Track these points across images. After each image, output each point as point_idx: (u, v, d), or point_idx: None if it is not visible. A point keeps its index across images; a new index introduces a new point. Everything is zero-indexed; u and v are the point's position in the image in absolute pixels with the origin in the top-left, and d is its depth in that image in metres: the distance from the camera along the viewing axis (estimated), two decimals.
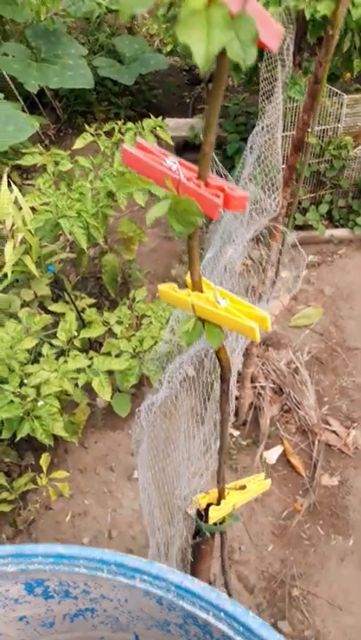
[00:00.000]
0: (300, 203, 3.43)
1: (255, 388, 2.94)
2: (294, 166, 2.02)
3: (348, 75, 3.81)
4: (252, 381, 2.93)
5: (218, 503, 1.06)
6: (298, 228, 3.52)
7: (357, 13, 2.59)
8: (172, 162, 0.62)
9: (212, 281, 0.74)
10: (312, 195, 3.51)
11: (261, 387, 2.95)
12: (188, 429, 1.96)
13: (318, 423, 2.82)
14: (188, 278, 0.71)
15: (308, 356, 3.08)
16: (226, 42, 0.42)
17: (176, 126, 4.14)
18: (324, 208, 3.48)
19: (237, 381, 2.96)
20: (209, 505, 1.08)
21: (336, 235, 3.55)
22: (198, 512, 1.09)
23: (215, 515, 1.05)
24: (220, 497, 1.05)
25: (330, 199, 3.51)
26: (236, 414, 2.94)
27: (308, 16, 2.67)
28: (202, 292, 0.67)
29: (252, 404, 2.91)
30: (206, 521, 1.07)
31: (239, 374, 2.97)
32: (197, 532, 1.12)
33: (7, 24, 4.27)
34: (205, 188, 0.59)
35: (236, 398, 2.93)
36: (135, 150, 0.63)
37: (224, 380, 0.77)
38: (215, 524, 1.07)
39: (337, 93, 3.09)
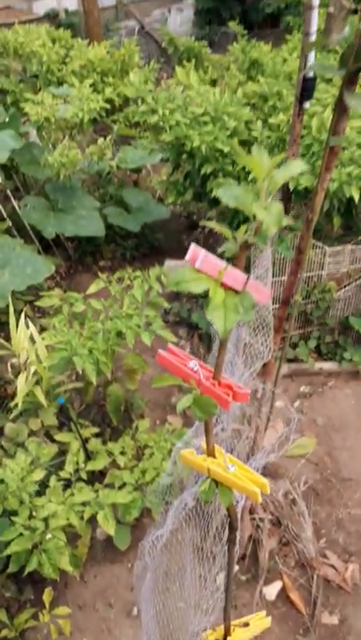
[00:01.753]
0: (290, 338, 3.73)
1: (254, 519, 3.00)
2: (283, 317, 2.32)
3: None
4: (250, 513, 2.99)
5: None
6: (289, 360, 3.79)
7: (334, 186, 3.08)
8: (194, 364, 0.85)
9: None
10: (301, 331, 3.83)
11: (260, 519, 3.00)
12: (192, 564, 2.05)
13: (316, 557, 2.85)
14: (203, 445, 0.92)
15: (304, 487, 3.17)
16: (236, 319, 0.67)
17: (176, 267, 4.58)
18: (312, 343, 3.78)
19: None
20: None
21: (325, 367, 3.81)
22: None
23: None
24: (227, 634, 1.15)
25: (318, 335, 3.82)
26: None
27: (291, 187, 3.16)
28: (215, 457, 0.87)
29: (251, 536, 2.95)
30: None
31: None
32: None
33: (29, 180, 4.88)
34: (219, 386, 0.82)
35: None
36: (167, 354, 0.87)
37: (232, 529, 0.94)
38: None
39: (321, 246, 3.52)
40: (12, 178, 5.00)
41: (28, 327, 3.26)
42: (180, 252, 5.35)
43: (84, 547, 2.51)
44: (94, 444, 2.88)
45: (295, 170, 0.69)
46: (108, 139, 4.53)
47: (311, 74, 2.75)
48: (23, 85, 6.24)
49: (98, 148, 4.40)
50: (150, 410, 3.65)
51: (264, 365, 2.73)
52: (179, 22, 11.75)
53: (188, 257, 0.67)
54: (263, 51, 5.09)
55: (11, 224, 4.55)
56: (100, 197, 5.26)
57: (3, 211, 4.60)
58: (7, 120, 4.65)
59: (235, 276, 0.70)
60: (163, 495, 2.49)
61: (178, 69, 4.10)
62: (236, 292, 0.71)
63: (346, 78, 1.60)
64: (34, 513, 2.20)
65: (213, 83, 6.07)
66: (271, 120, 3.59)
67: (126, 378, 3.47)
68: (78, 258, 5.04)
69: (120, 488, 2.53)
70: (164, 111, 3.39)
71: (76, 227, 4.31)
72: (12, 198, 4.70)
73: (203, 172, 3.42)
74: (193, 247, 0.68)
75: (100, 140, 4.47)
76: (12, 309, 3.33)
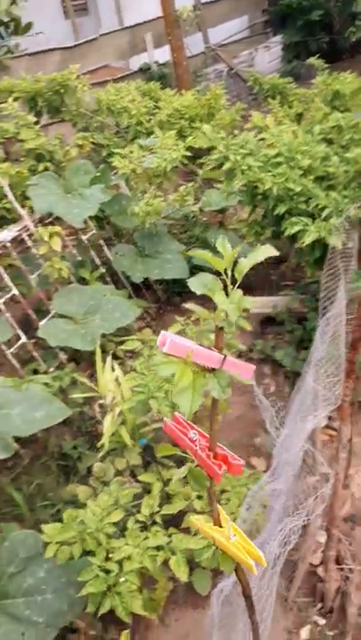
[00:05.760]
0: None
1: (342, 570, 2.85)
2: (354, 361, 2.24)
3: None
4: (337, 563, 2.85)
5: None
6: None
7: None
8: (194, 433, 0.89)
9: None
10: None
11: (349, 569, 2.84)
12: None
13: None
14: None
15: None
16: (201, 402, 0.70)
17: (261, 304, 4.59)
18: None
19: (321, 563, 2.89)
20: None
21: None
22: None
23: None
24: None
25: None
26: (322, 600, 2.82)
27: None
28: (221, 527, 0.89)
29: (339, 588, 2.80)
30: None
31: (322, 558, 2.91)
32: None
33: (120, 229, 5.20)
34: (214, 458, 0.85)
35: (321, 581, 2.84)
36: (171, 423, 0.92)
37: (245, 596, 0.94)
38: None
39: None
40: (105, 228, 5.35)
41: (113, 369, 3.44)
42: (266, 287, 5.35)
43: (162, 590, 2.54)
44: (174, 487, 2.92)
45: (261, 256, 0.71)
46: (190, 185, 4.70)
47: None
48: (117, 139, 6.69)
49: (179, 195, 4.59)
50: (232, 450, 3.63)
51: (340, 416, 2.63)
52: (267, 59, 11.98)
53: (158, 342, 0.73)
54: (345, 81, 5.05)
55: (105, 271, 4.87)
56: (187, 239, 5.45)
57: (97, 259, 4.95)
58: (98, 174, 5.01)
59: (209, 355, 0.74)
60: None
61: (254, 113, 4.19)
62: (213, 370, 0.74)
63: None
64: (110, 555, 2.28)
65: (299, 116, 6.10)
66: (348, 154, 3.53)
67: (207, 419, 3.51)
68: (167, 299, 5.23)
69: (195, 533, 2.54)
70: (235, 157, 3.48)
71: (162, 270, 4.50)
72: (106, 247, 5.04)
73: (276, 212, 3.44)
74: (162, 333, 0.73)
75: (182, 188, 4.66)
76: (99, 353, 3.54)
